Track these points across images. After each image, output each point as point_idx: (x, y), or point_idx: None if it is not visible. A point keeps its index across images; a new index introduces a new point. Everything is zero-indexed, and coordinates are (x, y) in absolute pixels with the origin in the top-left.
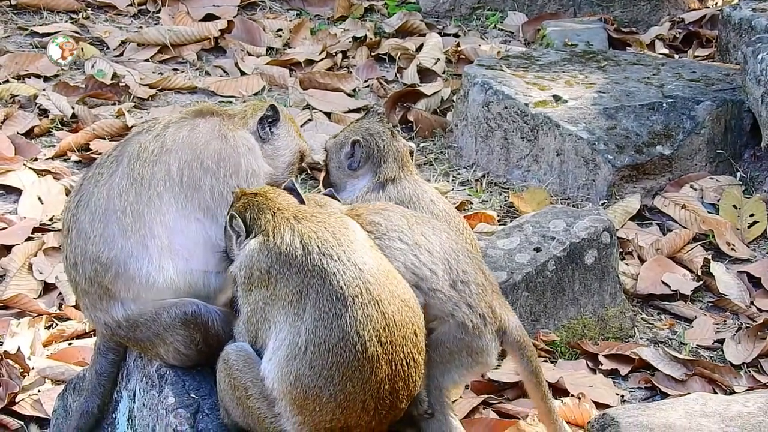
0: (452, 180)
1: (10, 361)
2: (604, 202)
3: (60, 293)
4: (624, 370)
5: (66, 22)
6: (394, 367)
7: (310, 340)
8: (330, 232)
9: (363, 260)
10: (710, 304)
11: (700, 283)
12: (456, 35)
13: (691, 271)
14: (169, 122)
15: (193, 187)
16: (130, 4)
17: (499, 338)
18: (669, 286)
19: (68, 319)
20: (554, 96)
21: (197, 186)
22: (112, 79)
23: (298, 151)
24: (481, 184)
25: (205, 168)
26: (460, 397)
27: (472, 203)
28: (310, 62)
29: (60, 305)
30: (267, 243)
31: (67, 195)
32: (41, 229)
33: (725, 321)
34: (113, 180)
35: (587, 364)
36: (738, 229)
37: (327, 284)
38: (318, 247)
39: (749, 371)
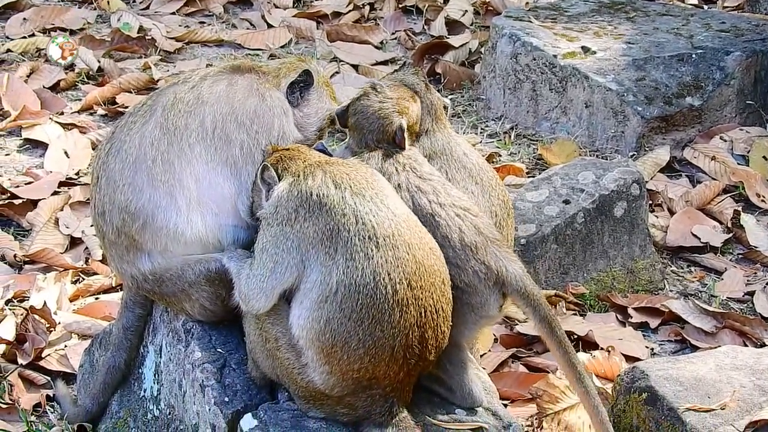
0: (480, 132)
1: (37, 316)
2: (634, 154)
3: (86, 248)
4: (654, 322)
5: None
6: (423, 314)
7: (340, 281)
8: (362, 176)
9: (395, 204)
10: (740, 256)
11: (730, 234)
12: None
13: (721, 222)
14: (207, 75)
15: (225, 140)
16: None
17: (499, 290)
18: (699, 238)
19: (95, 273)
20: (583, 47)
21: (228, 140)
22: (138, 33)
23: (328, 117)
24: (510, 136)
25: (240, 122)
26: (489, 350)
27: (500, 155)
28: (337, 14)
29: (86, 260)
30: (296, 183)
31: (93, 149)
32: (67, 183)
33: (755, 273)
34: (146, 129)
35: (617, 316)
36: None
37: (360, 223)
38: (351, 186)
39: None
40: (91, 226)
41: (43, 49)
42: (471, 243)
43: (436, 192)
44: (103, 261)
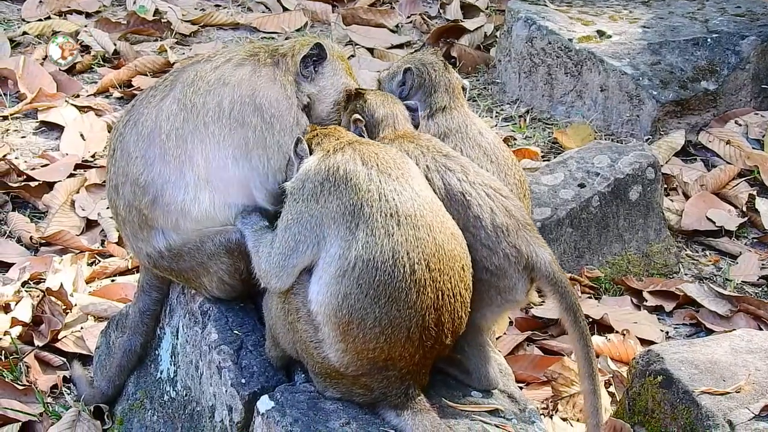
0: (496, 116)
1: (53, 298)
2: (649, 138)
3: (102, 230)
4: (668, 306)
5: None
6: (440, 297)
7: (359, 255)
8: (391, 157)
9: (420, 187)
10: (755, 240)
11: (745, 219)
12: None
13: (735, 206)
14: (231, 58)
15: (239, 123)
16: None
17: (528, 275)
18: (714, 222)
19: (111, 255)
20: (598, 31)
21: (243, 122)
22: (154, 16)
23: (344, 90)
24: (525, 119)
25: (257, 106)
26: (504, 333)
27: (515, 139)
28: None
29: (102, 242)
30: (326, 158)
31: (109, 131)
32: (83, 165)
33: None
34: (163, 103)
35: (631, 300)
36: None
37: (383, 200)
38: (378, 165)
39: None
40: (107, 208)
41: (59, 32)
42: (502, 224)
43: (465, 170)
44: (119, 243)
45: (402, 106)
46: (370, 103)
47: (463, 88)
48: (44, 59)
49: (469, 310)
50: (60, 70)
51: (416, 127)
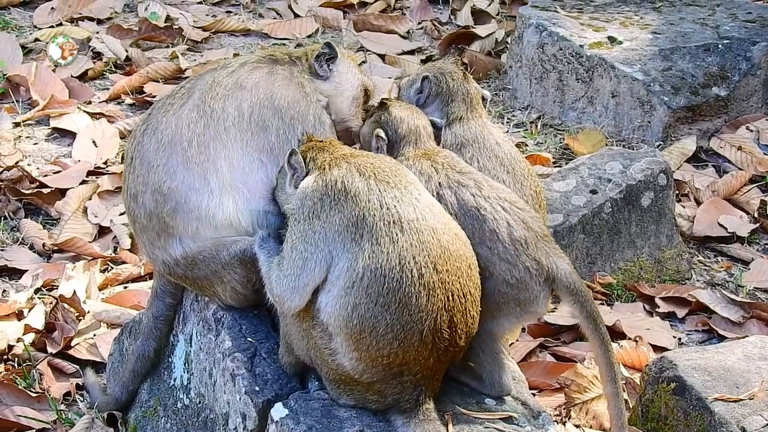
0: (507, 122)
1: (66, 305)
2: (660, 144)
3: (115, 236)
4: (681, 312)
5: None
6: (451, 298)
7: (366, 265)
8: (387, 166)
9: (419, 192)
10: (767, 246)
11: (757, 225)
12: None
13: (747, 212)
14: (246, 62)
15: (261, 126)
16: None
17: (549, 286)
18: (725, 228)
19: (123, 262)
20: (609, 37)
21: (265, 126)
22: (165, 22)
23: (360, 85)
24: (536, 126)
25: (276, 108)
26: (517, 340)
27: (527, 145)
28: (363, 4)
29: (115, 249)
30: (322, 176)
31: (121, 138)
32: (96, 172)
33: None
34: (182, 111)
35: (644, 306)
36: None
37: (384, 209)
38: (375, 174)
39: None
40: (121, 214)
41: (71, 38)
42: (520, 237)
43: (479, 186)
44: (132, 250)
45: (426, 121)
46: (394, 117)
47: (483, 99)
48: (56, 66)
49: (486, 318)
50: (72, 76)
51: (437, 144)
